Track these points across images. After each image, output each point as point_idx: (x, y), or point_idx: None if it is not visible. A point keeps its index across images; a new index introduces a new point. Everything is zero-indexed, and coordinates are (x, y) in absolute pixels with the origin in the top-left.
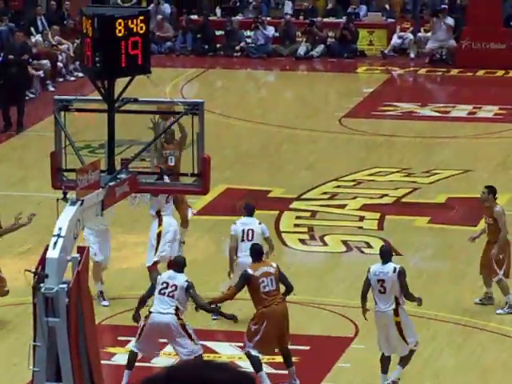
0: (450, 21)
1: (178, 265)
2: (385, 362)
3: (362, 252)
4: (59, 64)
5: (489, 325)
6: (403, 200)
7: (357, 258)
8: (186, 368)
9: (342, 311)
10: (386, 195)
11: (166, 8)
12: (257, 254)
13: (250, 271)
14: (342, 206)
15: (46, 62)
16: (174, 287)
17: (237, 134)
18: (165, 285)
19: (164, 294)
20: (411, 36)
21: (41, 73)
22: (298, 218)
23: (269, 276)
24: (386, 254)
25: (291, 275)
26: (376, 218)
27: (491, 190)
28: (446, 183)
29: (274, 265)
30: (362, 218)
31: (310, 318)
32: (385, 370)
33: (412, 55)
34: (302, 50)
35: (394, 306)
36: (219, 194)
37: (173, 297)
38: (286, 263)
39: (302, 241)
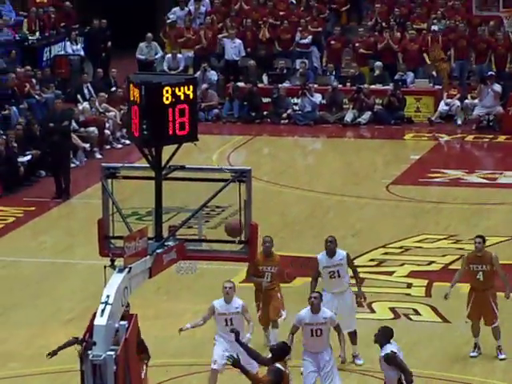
0: (497, 87)
1: None
2: None
3: (410, 319)
4: (106, 131)
5: None
6: (451, 267)
7: (404, 325)
8: None
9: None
10: (434, 262)
11: (213, 75)
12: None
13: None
14: (390, 273)
15: (93, 129)
16: None
17: (284, 201)
18: None
19: None
20: (458, 103)
21: (87, 146)
22: None
23: None
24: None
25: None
26: (424, 285)
27: (484, 239)
28: (493, 250)
29: None
30: (409, 285)
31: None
32: None
33: (459, 122)
34: (348, 117)
35: None
36: None
37: None
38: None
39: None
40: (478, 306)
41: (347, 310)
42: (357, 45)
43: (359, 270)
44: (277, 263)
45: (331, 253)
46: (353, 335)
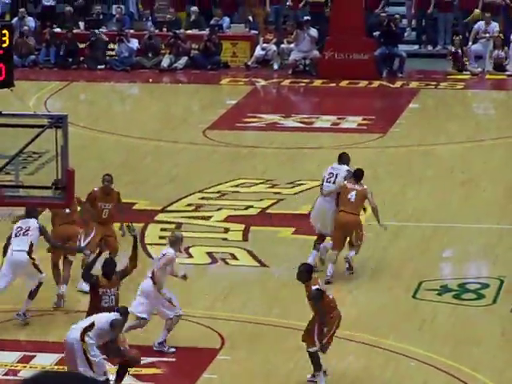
0: (313, 32)
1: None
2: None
3: (227, 263)
4: None
5: (354, 335)
6: (268, 211)
7: (222, 270)
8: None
9: (207, 323)
10: (251, 206)
11: (30, 21)
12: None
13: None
14: (207, 218)
15: None
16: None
17: (101, 147)
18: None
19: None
20: (274, 47)
21: None
22: (162, 230)
23: None
24: None
25: None
26: (241, 230)
27: None
28: (310, 194)
29: None
30: (226, 230)
31: (176, 330)
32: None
33: (275, 66)
34: (165, 63)
35: None
36: None
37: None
38: None
39: None
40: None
41: None
42: None
43: (176, 214)
44: (115, 200)
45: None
46: None
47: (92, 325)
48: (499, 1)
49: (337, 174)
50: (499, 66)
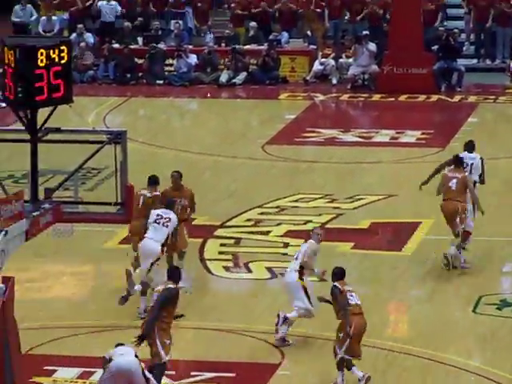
0: (372, 46)
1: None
2: None
3: None
4: None
5: (413, 349)
6: (327, 226)
7: (281, 285)
8: None
9: (267, 338)
10: (310, 221)
11: (89, 37)
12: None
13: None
14: (266, 233)
15: None
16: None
17: (160, 163)
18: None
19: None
20: (333, 62)
21: None
22: (222, 245)
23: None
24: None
25: (217, 303)
26: (300, 245)
27: None
28: (369, 208)
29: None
30: (286, 245)
31: (236, 345)
32: None
33: (334, 81)
34: (224, 78)
35: None
36: None
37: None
38: (212, 290)
39: (227, 268)
40: None
41: None
42: (232, 5)
43: (236, 230)
44: (186, 196)
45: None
46: None
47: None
48: None
49: (471, 164)
50: None
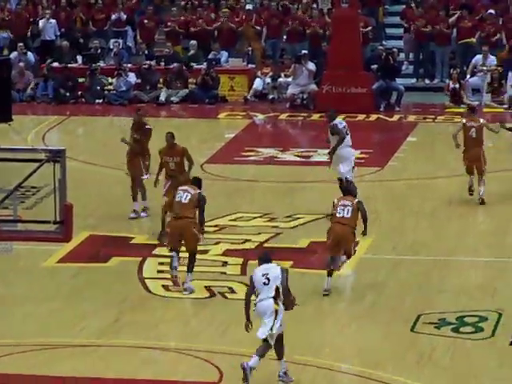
0: (311, 65)
1: None
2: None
3: (226, 297)
4: None
5: (352, 368)
6: (266, 245)
7: (220, 304)
8: None
9: (206, 356)
10: (249, 240)
11: (30, 56)
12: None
13: None
14: (205, 252)
15: None
16: None
17: (101, 181)
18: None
19: None
20: (272, 81)
21: None
22: (161, 264)
23: None
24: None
25: (156, 322)
26: (239, 263)
27: None
28: (308, 227)
29: None
30: (224, 264)
31: (174, 364)
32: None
33: (273, 100)
34: (163, 96)
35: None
36: (82, 241)
37: None
38: (151, 309)
39: (166, 287)
40: None
41: None
42: (169, 24)
43: None
44: (178, 153)
45: None
46: None
47: None
48: (497, 36)
49: None
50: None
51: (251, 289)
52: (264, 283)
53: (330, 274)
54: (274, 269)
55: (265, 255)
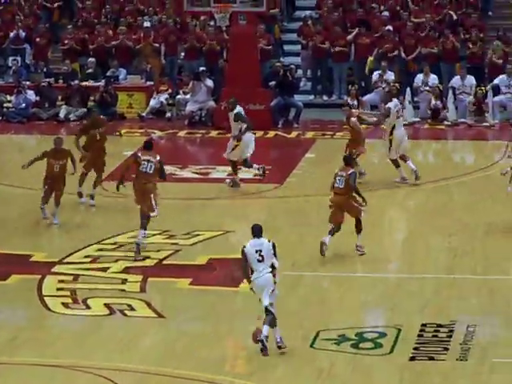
0: (209, 82)
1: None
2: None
3: (125, 315)
4: None
5: None
6: (165, 262)
7: (120, 321)
8: None
9: (105, 374)
10: (148, 257)
11: None
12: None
13: None
14: (105, 270)
15: None
16: None
17: (1, 199)
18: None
19: None
20: (169, 98)
21: None
22: (60, 281)
23: None
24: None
25: (54, 339)
26: (138, 281)
27: None
28: (207, 244)
29: None
30: (124, 281)
31: (73, 381)
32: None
33: (171, 117)
34: (62, 114)
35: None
36: None
37: None
38: (50, 327)
39: (65, 304)
40: None
41: None
42: (66, 41)
43: (74, 266)
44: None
45: None
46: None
47: None
48: (395, 52)
49: None
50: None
51: (245, 261)
52: (258, 260)
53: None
54: (265, 244)
55: (258, 229)
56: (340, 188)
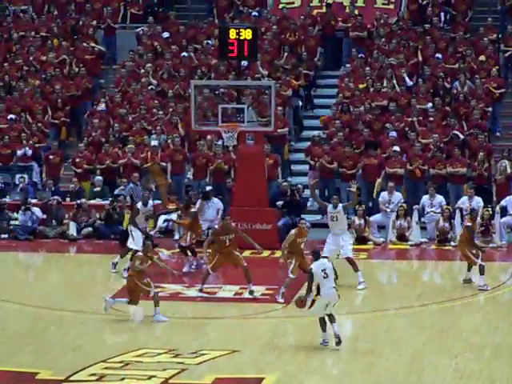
0: (217, 201)
1: None
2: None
3: None
4: None
5: None
6: (171, 381)
7: None
8: None
9: None
10: (154, 376)
11: None
12: None
13: None
14: None
15: None
16: None
17: (3, 316)
18: None
19: None
20: (175, 217)
21: None
22: None
23: None
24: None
25: None
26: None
27: None
28: (213, 363)
29: None
30: None
31: None
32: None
33: (177, 237)
34: (69, 232)
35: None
36: None
37: None
38: None
39: None
40: None
41: None
42: (77, 160)
43: None
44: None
45: None
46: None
47: None
48: (400, 171)
49: None
50: (402, 236)
51: (312, 280)
52: (324, 277)
53: None
54: (328, 264)
55: (318, 253)
56: None
